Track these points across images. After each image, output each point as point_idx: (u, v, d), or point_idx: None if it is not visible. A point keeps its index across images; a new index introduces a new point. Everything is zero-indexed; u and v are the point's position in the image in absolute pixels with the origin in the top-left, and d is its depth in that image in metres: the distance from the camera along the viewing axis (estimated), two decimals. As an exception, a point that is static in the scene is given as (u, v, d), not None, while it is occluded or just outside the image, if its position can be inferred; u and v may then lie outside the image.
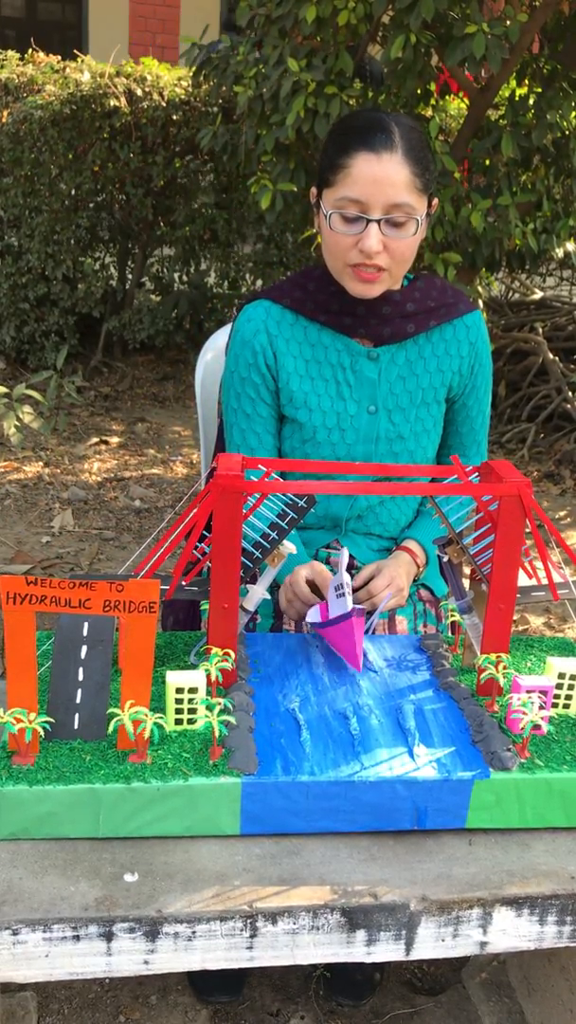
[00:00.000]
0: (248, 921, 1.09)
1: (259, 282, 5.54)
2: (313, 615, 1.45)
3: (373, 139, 1.55)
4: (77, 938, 1.06)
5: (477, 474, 1.33)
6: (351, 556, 1.79)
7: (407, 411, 1.73)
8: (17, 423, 3.49)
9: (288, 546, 1.32)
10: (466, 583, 1.45)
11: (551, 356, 5.04)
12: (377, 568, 1.69)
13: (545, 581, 1.39)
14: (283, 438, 1.76)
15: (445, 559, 1.38)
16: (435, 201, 1.66)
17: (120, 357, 5.64)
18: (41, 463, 4.32)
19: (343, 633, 1.28)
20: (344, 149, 1.57)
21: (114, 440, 4.70)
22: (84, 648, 1.23)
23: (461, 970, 1.84)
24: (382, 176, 1.54)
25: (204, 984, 1.74)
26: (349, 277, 1.63)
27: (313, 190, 1.66)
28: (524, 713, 1.21)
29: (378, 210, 1.56)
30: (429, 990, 1.81)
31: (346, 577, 1.39)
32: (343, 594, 1.37)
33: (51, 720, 1.17)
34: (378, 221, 1.56)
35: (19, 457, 4.35)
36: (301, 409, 1.72)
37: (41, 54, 5.15)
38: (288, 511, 1.30)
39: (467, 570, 1.43)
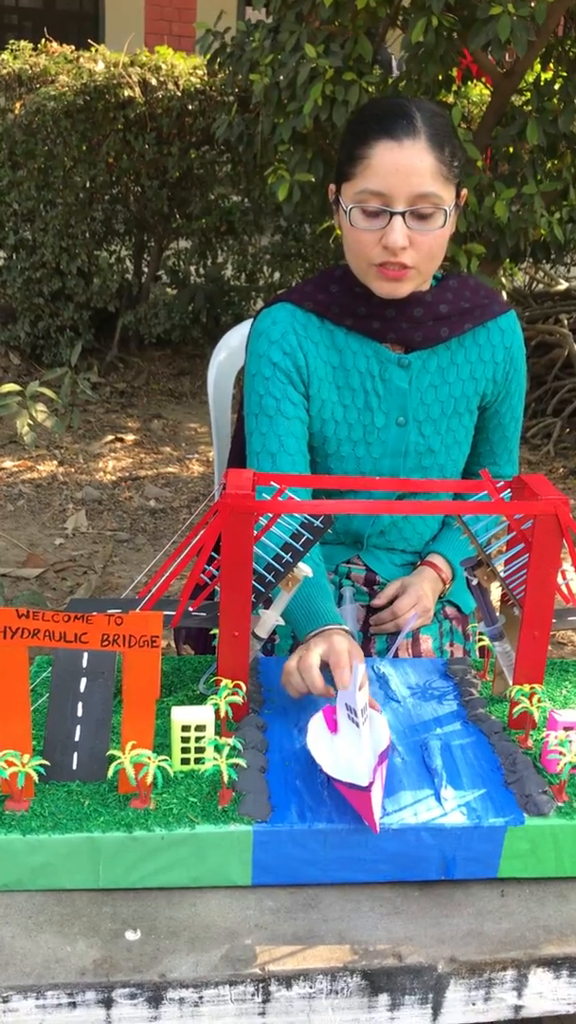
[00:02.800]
0: (260, 985, 0.99)
1: (276, 275, 5.43)
2: (317, 730, 1.15)
3: (394, 126, 1.43)
4: (73, 1005, 0.97)
5: (509, 490, 1.23)
6: (371, 570, 1.69)
7: (438, 422, 1.61)
8: (30, 422, 3.41)
9: (304, 569, 1.22)
10: (496, 604, 1.35)
11: (577, 349, 4.91)
12: (402, 586, 1.59)
13: (582, 604, 1.28)
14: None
15: (475, 582, 1.28)
16: (464, 192, 1.54)
17: (136, 352, 5.55)
18: (55, 462, 4.24)
19: (358, 800, 1.05)
20: (363, 139, 1.45)
21: (129, 438, 4.61)
22: (83, 681, 1.14)
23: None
24: (405, 165, 1.42)
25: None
26: (374, 277, 1.50)
27: (332, 187, 1.54)
28: (562, 753, 1.11)
29: (402, 202, 1.44)
30: None
31: (360, 700, 1.12)
32: (355, 719, 1.13)
33: (46, 763, 1.08)
34: (402, 214, 1.44)
35: (33, 456, 4.28)
36: (328, 422, 1.59)
37: (55, 44, 5.06)
38: (304, 532, 1.20)
39: (498, 591, 1.33)
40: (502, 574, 1.24)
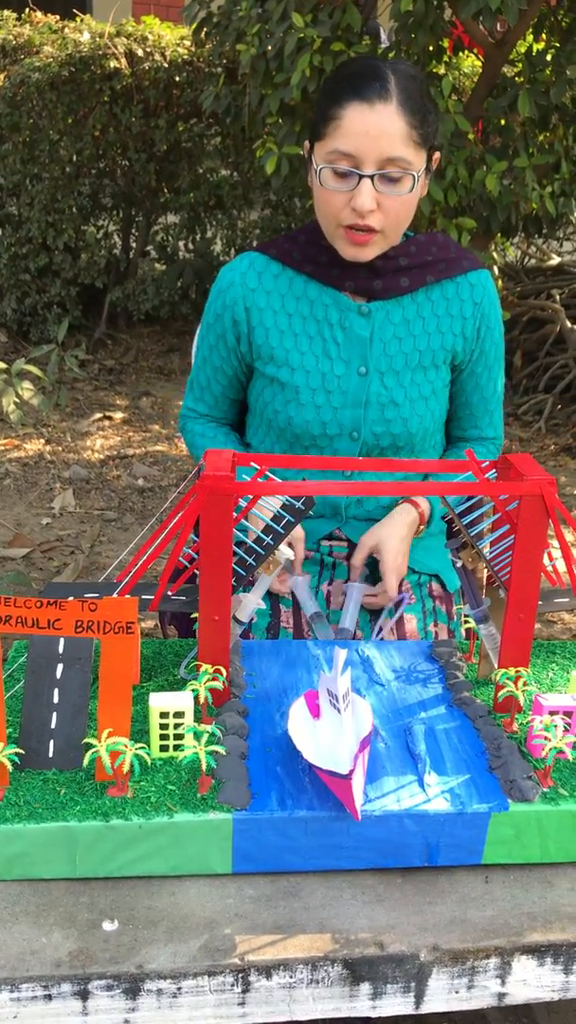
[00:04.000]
0: (240, 976, 0.98)
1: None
2: (299, 715, 1.13)
3: (366, 88, 1.43)
4: (49, 998, 0.95)
5: (494, 470, 1.20)
6: (353, 543, 1.67)
7: (401, 374, 1.60)
8: (17, 400, 3.37)
9: (285, 551, 1.20)
10: (482, 585, 1.32)
11: (569, 324, 4.87)
12: (376, 543, 1.58)
13: (569, 586, 1.26)
14: (265, 401, 1.65)
15: (459, 564, 1.25)
16: (436, 155, 1.54)
17: (124, 329, 5.50)
18: (42, 440, 4.20)
19: (339, 787, 1.03)
20: (335, 98, 1.45)
21: (117, 416, 4.57)
22: (60, 667, 1.12)
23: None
24: (375, 127, 1.43)
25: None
26: (340, 239, 1.52)
27: (306, 143, 1.54)
28: (547, 738, 1.09)
29: (371, 164, 1.44)
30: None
31: (342, 685, 1.10)
32: (336, 705, 1.11)
33: (21, 752, 1.06)
34: (371, 177, 1.44)
35: (19, 435, 4.23)
36: (283, 367, 1.61)
37: (39, 14, 4.97)
38: (285, 514, 1.17)
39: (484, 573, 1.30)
40: (487, 555, 1.22)
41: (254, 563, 1.18)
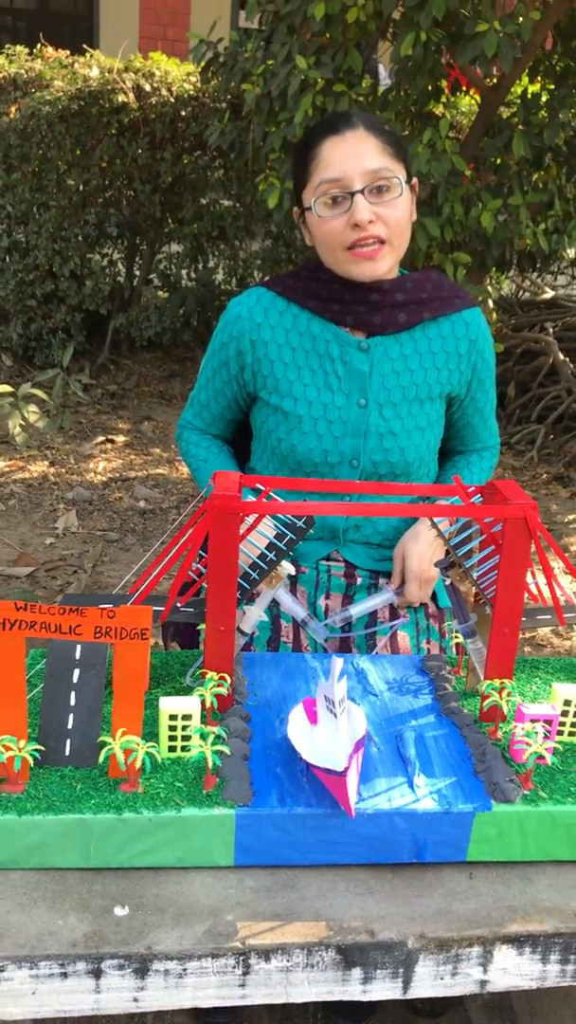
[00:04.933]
0: (241, 958, 1.06)
1: (267, 279, 5.49)
2: (297, 720, 1.21)
3: (333, 123, 1.61)
4: (65, 975, 1.03)
5: (479, 495, 1.29)
6: (350, 564, 1.75)
7: (399, 406, 1.70)
8: (22, 423, 3.46)
9: (286, 567, 1.29)
10: (469, 602, 1.41)
11: (561, 357, 4.99)
12: (402, 551, 1.70)
13: (551, 603, 1.35)
14: (269, 428, 1.74)
15: (448, 582, 1.34)
16: (415, 181, 1.68)
17: (127, 355, 5.61)
18: (46, 462, 4.30)
19: (335, 784, 1.10)
20: (310, 144, 1.63)
21: (120, 439, 4.67)
22: (76, 672, 1.20)
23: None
24: (350, 150, 1.58)
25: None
26: (349, 261, 1.62)
27: (295, 209, 1.67)
28: (528, 743, 1.17)
29: (358, 180, 1.58)
30: (430, 1012, 1.77)
31: (339, 691, 1.17)
32: (333, 709, 1.18)
33: (41, 748, 1.14)
34: (361, 191, 1.58)
35: (24, 456, 4.33)
36: (287, 398, 1.70)
37: (50, 49, 5.11)
38: (287, 532, 1.26)
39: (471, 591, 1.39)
40: (474, 574, 1.31)
41: (258, 578, 1.27)
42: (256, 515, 1.21)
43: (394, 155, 1.61)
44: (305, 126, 3.28)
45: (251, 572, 1.28)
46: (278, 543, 1.27)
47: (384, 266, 1.63)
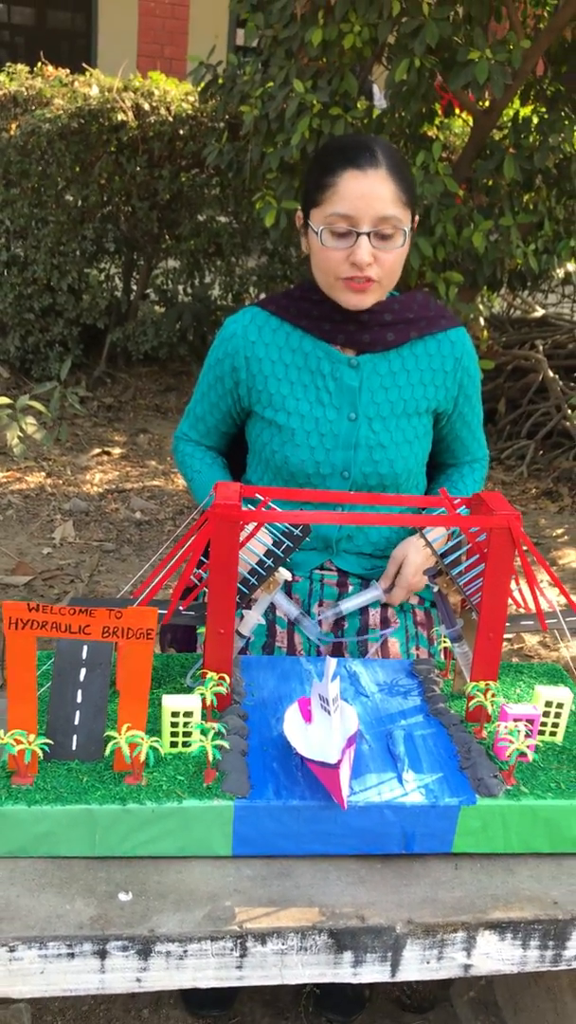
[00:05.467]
0: (238, 941, 1.12)
1: (262, 295, 5.59)
2: (293, 718, 1.28)
3: (358, 157, 1.63)
4: (72, 955, 1.09)
5: (465, 506, 1.36)
6: (343, 572, 1.82)
7: (388, 420, 1.77)
8: (20, 434, 3.53)
9: (283, 573, 1.35)
10: (456, 609, 1.48)
11: (551, 374, 5.08)
12: (403, 556, 1.75)
13: (534, 609, 1.42)
14: (264, 441, 1.81)
15: (435, 589, 1.41)
16: (416, 218, 1.73)
17: (123, 368, 5.68)
18: (43, 473, 4.36)
19: (328, 777, 1.17)
20: (330, 168, 1.65)
21: (116, 451, 4.73)
22: (83, 671, 1.27)
23: (449, 988, 1.87)
24: (369, 191, 1.62)
25: (196, 998, 1.77)
26: (341, 290, 1.69)
27: (299, 214, 1.73)
28: (511, 741, 1.24)
29: (367, 223, 1.62)
30: (417, 1008, 1.83)
31: (332, 690, 1.23)
32: (327, 707, 1.24)
33: (50, 742, 1.20)
34: (368, 234, 1.63)
35: (21, 467, 4.39)
36: (280, 412, 1.77)
37: (50, 68, 5.20)
38: (284, 539, 1.33)
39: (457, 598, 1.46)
40: (461, 582, 1.38)
41: (256, 583, 1.34)
42: (255, 523, 1.28)
43: (406, 203, 1.65)
44: (302, 148, 3.37)
45: (250, 578, 1.35)
46: (276, 550, 1.34)
47: (371, 300, 1.70)
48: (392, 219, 1.63)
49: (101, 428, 5.03)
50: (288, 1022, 1.78)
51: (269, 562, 1.34)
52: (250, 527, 1.30)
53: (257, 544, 1.37)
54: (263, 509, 1.27)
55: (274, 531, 1.37)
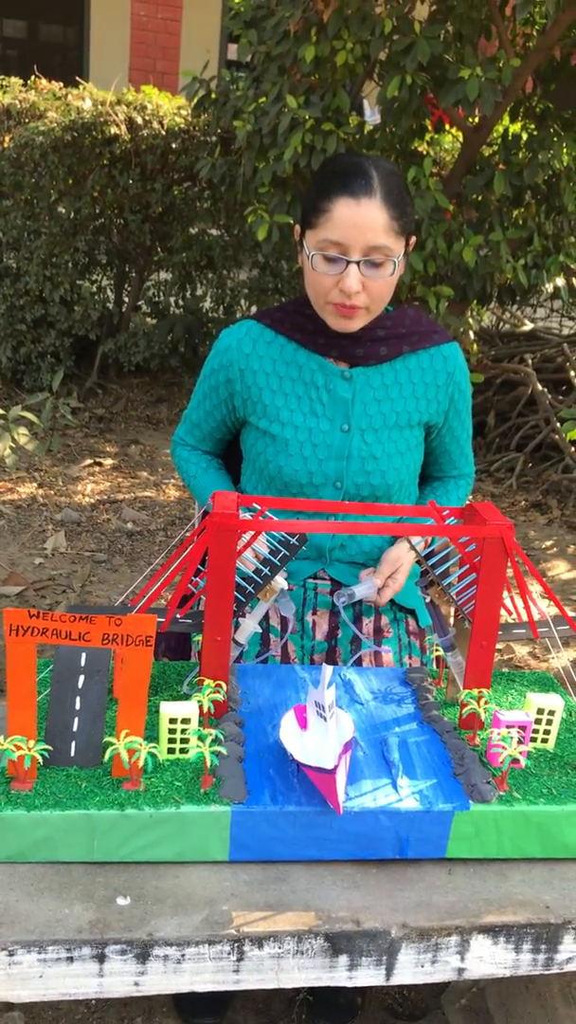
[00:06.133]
0: (235, 945, 1.13)
1: (253, 308, 5.62)
2: (289, 725, 1.30)
3: (353, 183, 1.62)
4: (71, 959, 1.10)
5: (453, 517, 1.39)
6: (336, 581, 1.84)
7: (380, 432, 1.79)
8: (12, 445, 3.54)
9: (280, 581, 1.37)
10: (448, 618, 1.50)
11: (540, 387, 5.12)
12: (397, 558, 1.77)
13: (525, 618, 1.44)
14: (258, 451, 1.84)
15: (428, 599, 1.43)
16: (412, 239, 1.74)
17: (115, 379, 5.70)
18: (35, 484, 4.37)
19: (324, 782, 1.19)
20: (325, 193, 1.65)
21: (107, 462, 4.75)
22: (81, 678, 1.28)
23: (441, 996, 1.88)
24: (361, 220, 1.62)
25: (189, 1006, 1.77)
26: (329, 313, 1.71)
27: (297, 228, 1.75)
28: (503, 747, 1.26)
29: (357, 252, 1.63)
30: (409, 1016, 1.84)
31: (328, 697, 1.24)
32: (322, 714, 1.26)
33: (49, 748, 1.22)
34: (357, 262, 1.64)
35: (13, 478, 4.40)
36: (274, 423, 1.80)
37: (44, 81, 5.23)
38: (281, 548, 1.35)
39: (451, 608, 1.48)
40: (453, 591, 1.40)
41: (253, 591, 1.36)
42: (252, 532, 1.30)
43: (399, 232, 1.65)
44: (294, 162, 3.40)
45: (247, 586, 1.36)
46: (272, 559, 1.35)
47: (357, 324, 1.72)
48: (383, 248, 1.63)
49: (93, 439, 5.05)
50: (281, 1030, 1.79)
51: (266, 571, 1.36)
52: (247, 536, 1.32)
53: (255, 553, 1.39)
54: (260, 518, 1.29)
55: (271, 540, 1.39)
